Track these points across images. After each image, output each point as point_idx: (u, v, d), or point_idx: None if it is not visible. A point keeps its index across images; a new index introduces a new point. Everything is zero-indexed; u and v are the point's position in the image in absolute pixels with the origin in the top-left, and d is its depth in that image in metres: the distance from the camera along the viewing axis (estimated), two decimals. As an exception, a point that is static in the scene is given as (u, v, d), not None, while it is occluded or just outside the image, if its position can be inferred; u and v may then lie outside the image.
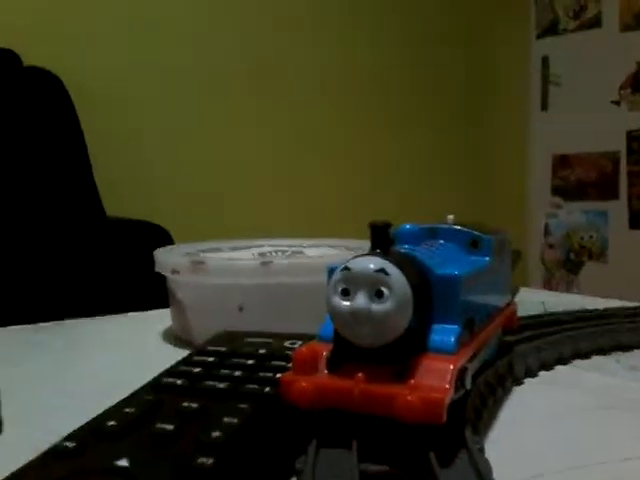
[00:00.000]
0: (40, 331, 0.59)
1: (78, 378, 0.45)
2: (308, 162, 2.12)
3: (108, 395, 0.31)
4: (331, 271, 0.27)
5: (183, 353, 0.36)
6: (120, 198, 1.62)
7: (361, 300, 0.25)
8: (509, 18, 2.58)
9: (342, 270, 0.25)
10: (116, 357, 0.50)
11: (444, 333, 0.26)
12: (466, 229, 0.35)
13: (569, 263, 2.54)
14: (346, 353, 0.26)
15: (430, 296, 0.27)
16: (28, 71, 1.45)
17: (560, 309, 0.55)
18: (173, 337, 0.54)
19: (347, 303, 0.25)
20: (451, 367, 0.25)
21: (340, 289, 0.25)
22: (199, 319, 0.49)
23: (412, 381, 0.24)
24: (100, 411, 0.28)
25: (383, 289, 0.24)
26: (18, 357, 0.47)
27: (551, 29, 2.56)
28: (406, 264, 0.26)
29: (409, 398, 0.23)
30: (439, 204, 2.29)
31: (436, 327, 0.27)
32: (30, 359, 0.49)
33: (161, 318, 0.59)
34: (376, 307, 0.24)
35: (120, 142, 1.75)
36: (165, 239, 1.44)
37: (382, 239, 0.26)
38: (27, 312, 0.92)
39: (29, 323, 0.60)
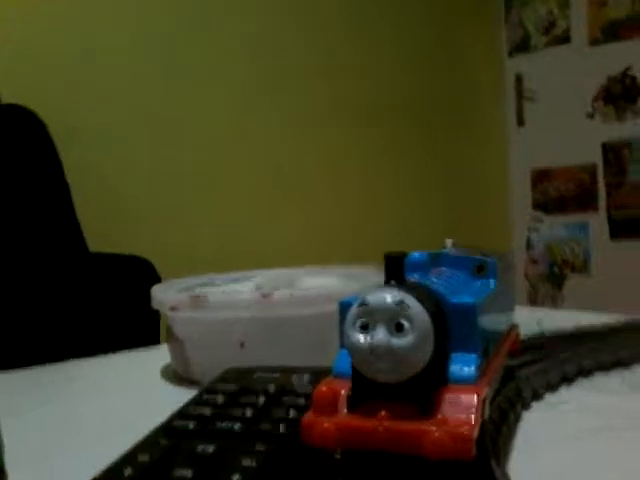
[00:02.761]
0: (39, 374, 0.58)
1: (82, 421, 0.44)
2: (288, 194, 2.11)
3: (115, 438, 0.30)
4: (344, 305, 0.27)
5: (184, 391, 0.35)
6: (103, 233, 1.61)
7: (380, 335, 0.24)
8: (481, 37, 2.61)
9: (360, 305, 0.25)
10: (118, 397, 0.49)
11: (464, 362, 0.26)
12: (469, 254, 0.35)
13: (552, 277, 2.56)
14: (365, 390, 0.25)
15: (446, 326, 0.27)
16: (6, 109, 1.43)
17: (555, 327, 0.54)
18: (173, 374, 0.53)
19: (366, 338, 0.24)
20: (475, 399, 0.24)
21: (359, 324, 0.24)
22: (200, 355, 0.49)
23: (438, 416, 0.24)
24: (109, 455, 0.28)
25: (403, 322, 0.24)
26: (19, 402, 0.46)
27: (522, 46, 2.60)
28: (423, 295, 0.25)
29: (437, 435, 0.23)
30: (420, 223, 2.30)
31: (454, 357, 0.26)
32: (32, 403, 0.48)
33: (159, 355, 0.58)
34: (397, 341, 0.24)
35: (101, 177, 1.74)
36: (150, 273, 1.42)
37: (397, 270, 0.26)
38: (11, 352, 0.91)
39: (14, 364, 0.59)
